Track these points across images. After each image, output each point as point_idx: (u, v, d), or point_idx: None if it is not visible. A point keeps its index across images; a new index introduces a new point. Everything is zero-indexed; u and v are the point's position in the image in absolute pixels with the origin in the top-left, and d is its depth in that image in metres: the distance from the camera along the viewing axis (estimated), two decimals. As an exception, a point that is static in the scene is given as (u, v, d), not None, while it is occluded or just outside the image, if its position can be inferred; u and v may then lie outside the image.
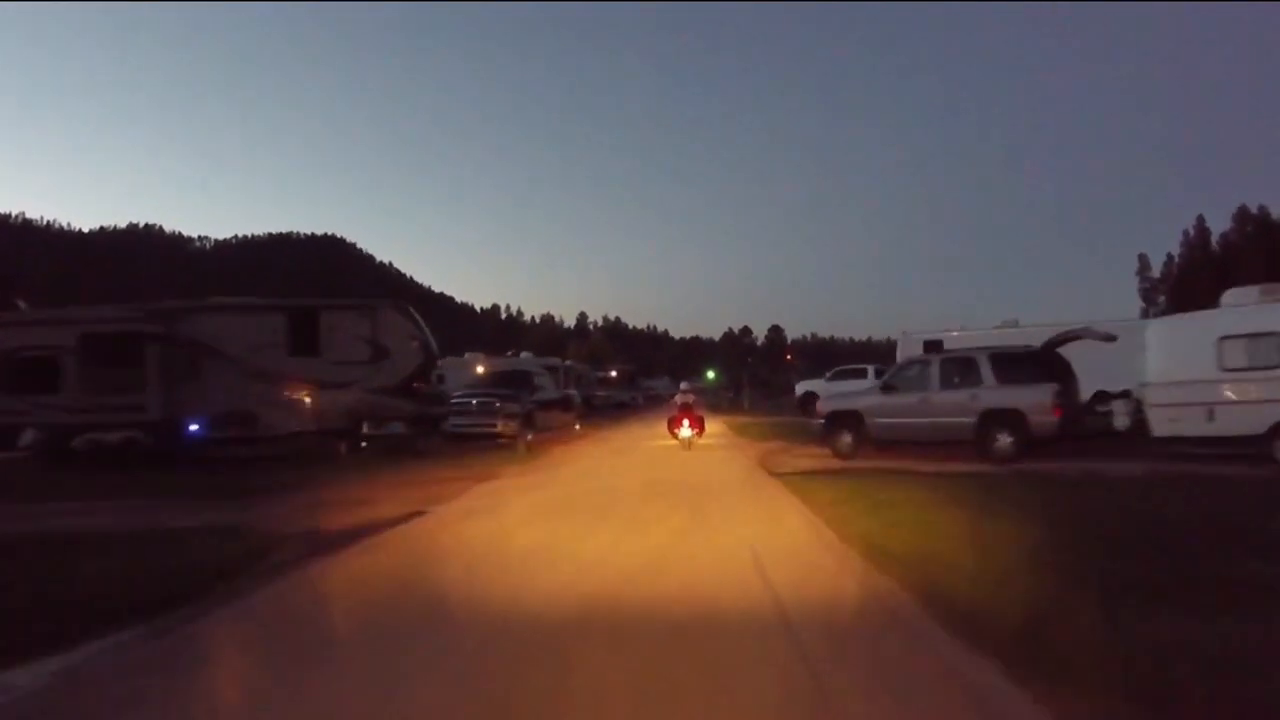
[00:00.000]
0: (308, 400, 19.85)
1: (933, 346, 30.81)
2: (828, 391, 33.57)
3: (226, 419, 19.71)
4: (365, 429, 21.00)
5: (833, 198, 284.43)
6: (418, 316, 21.68)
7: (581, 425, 28.51)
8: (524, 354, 42.65)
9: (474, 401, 21.11)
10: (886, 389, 16.70)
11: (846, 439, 16.45)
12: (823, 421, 17.02)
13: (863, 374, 33.20)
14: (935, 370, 16.11)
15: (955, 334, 30.84)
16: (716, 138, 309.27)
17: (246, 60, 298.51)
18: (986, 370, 15.51)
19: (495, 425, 20.45)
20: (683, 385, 24.57)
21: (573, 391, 28.07)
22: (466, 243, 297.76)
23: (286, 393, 19.82)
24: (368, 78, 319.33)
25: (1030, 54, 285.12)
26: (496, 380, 23.76)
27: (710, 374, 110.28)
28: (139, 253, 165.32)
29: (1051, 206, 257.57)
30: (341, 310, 21.11)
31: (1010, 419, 15.10)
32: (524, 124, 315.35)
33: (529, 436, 20.70)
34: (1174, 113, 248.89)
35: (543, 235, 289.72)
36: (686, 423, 19.96)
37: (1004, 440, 15.12)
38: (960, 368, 15.91)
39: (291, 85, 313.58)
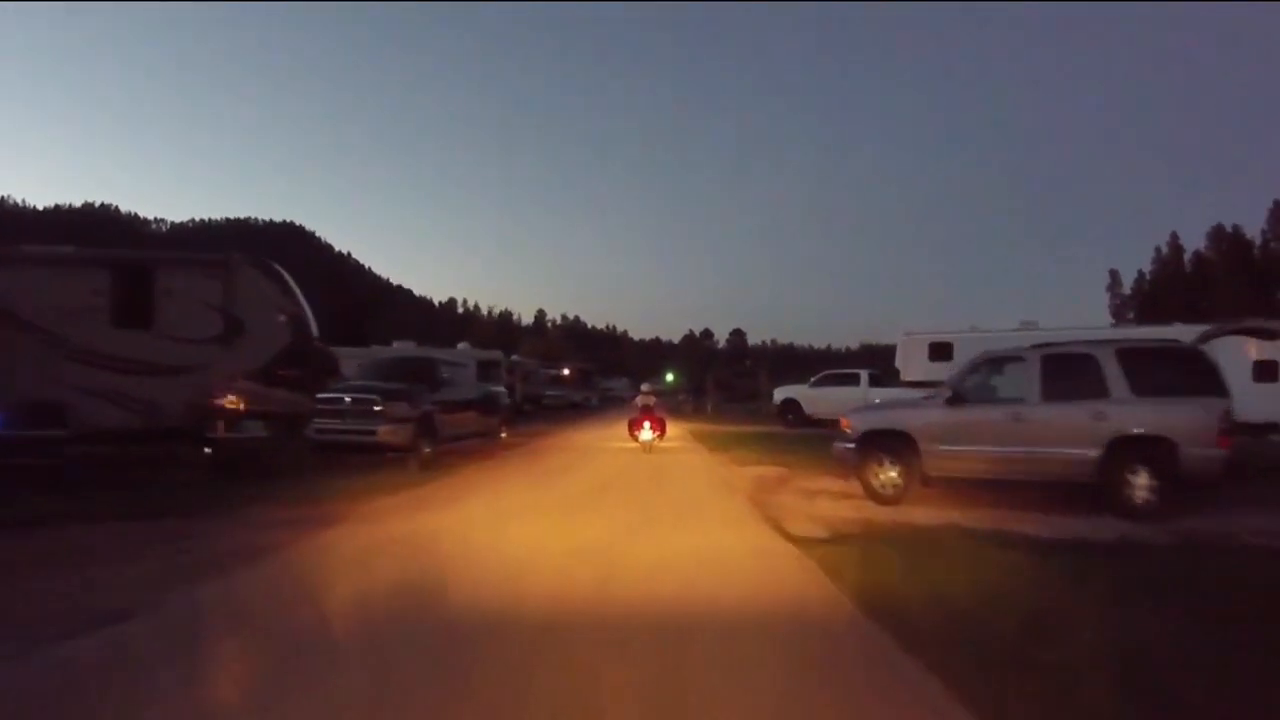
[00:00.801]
0: (137, 389, 13.82)
1: (941, 350, 25.40)
2: (812, 399, 28.19)
3: (30, 411, 13.58)
4: (218, 430, 14.84)
5: (796, 206, 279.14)
6: (290, 280, 15.66)
7: (514, 431, 22.39)
8: (462, 345, 36.58)
9: (347, 399, 14.82)
10: (955, 400, 10.72)
11: (891, 474, 10.45)
12: (851, 445, 11.09)
13: (854, 380, 27.74)
14: (1034, 373, 10.26)
15: (968, 335, 25.52)
16: (681, 140, 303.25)
17: (210, 42, 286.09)
18: (1114, 373, 9.75)
19: (374, 433, 14.22)
20: (644, 387, 22.55)
21: (498, 389, 21.32)
22: (427, 237, 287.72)
23: (108, 378, 13.78)
24: (332, 67, 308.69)
25: (999, 62, 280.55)
26: (388, 370, 17.42)
27: (670, 376, 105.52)
28: (94, 232, 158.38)
29: (1019, 220, 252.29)
30: (184, 268, 14.96)
31: (1153, 450, 9.42)
32: (490, 120, 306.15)
33: (427, 449, 14.63)
34: (1146, 130, 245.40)
35: (505, 232, 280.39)
36: (648, 425, 18.89)
37: (1142, 483, 9.44)
38: (1072, 370, 10.10)
39: (255, 71, 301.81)
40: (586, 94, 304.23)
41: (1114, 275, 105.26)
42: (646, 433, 18.83)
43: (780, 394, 29.43)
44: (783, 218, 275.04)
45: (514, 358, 43.40)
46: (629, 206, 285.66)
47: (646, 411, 19.29)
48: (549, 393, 47.10)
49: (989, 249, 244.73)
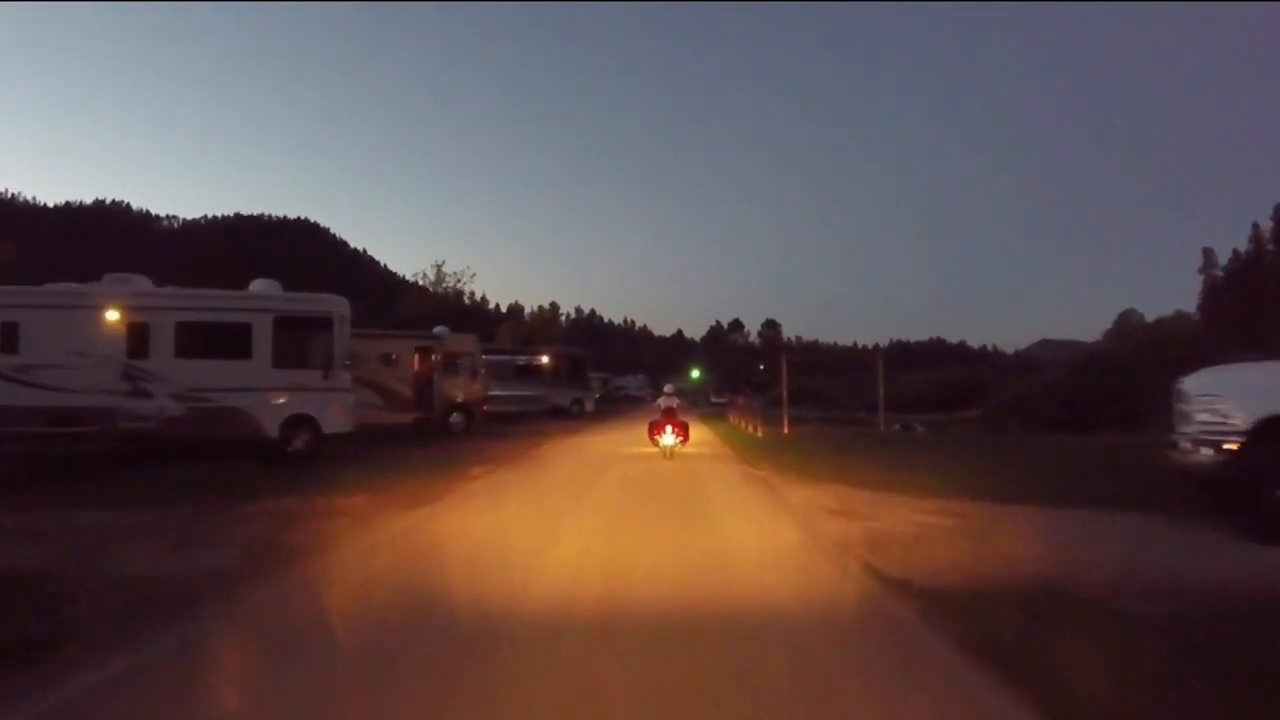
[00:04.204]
0: None
1: None
2: None
3: None
4: None
5: (835, 194, 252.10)
6: None
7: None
8: (260, 282, 15.50)
9: None
10: None
11: None
12: None
13: None
14: None
15: None
16: (701, 140, 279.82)
17: (224, 38, 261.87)
18: None
19: None
20: (666, 388, 18.20)
21: None
22: (441, 233, 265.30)
23: None
24: (347, 62, 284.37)
25: (1073, 42, 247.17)
26: None
27: (695, 373, 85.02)
28: (105, 230, 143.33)
29: (1087, 205, 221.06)
30: None
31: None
32: (507, 114, 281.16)
33: None
34: (1238, 105, 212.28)
35: (520, 228, 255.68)
36: (670, 429, 15.67)
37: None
38: None
39: (269, 67, 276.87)
40: (602, 88, 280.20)
41: (1208, 254, 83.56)
42: (668, 437, 15.51)
43: (1244, 405, 6.57)
44: (821, 210, 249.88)
45: (438, 329, 22.50)
46: (646, 202, 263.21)
47: (669, 415, 16.04)
48: (504, 392, 26.34)
49: (1055, 238, 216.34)
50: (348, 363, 14.70)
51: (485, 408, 22.54)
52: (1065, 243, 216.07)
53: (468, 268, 64.21)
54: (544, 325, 65.80)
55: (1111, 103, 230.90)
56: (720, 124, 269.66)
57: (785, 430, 21.23)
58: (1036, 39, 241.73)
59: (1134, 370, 32.36)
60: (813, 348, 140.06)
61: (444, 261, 57.77)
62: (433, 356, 21.20)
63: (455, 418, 21.49)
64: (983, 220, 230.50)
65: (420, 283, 47.30)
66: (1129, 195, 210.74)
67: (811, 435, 20.81)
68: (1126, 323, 50.96)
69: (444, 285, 45.51)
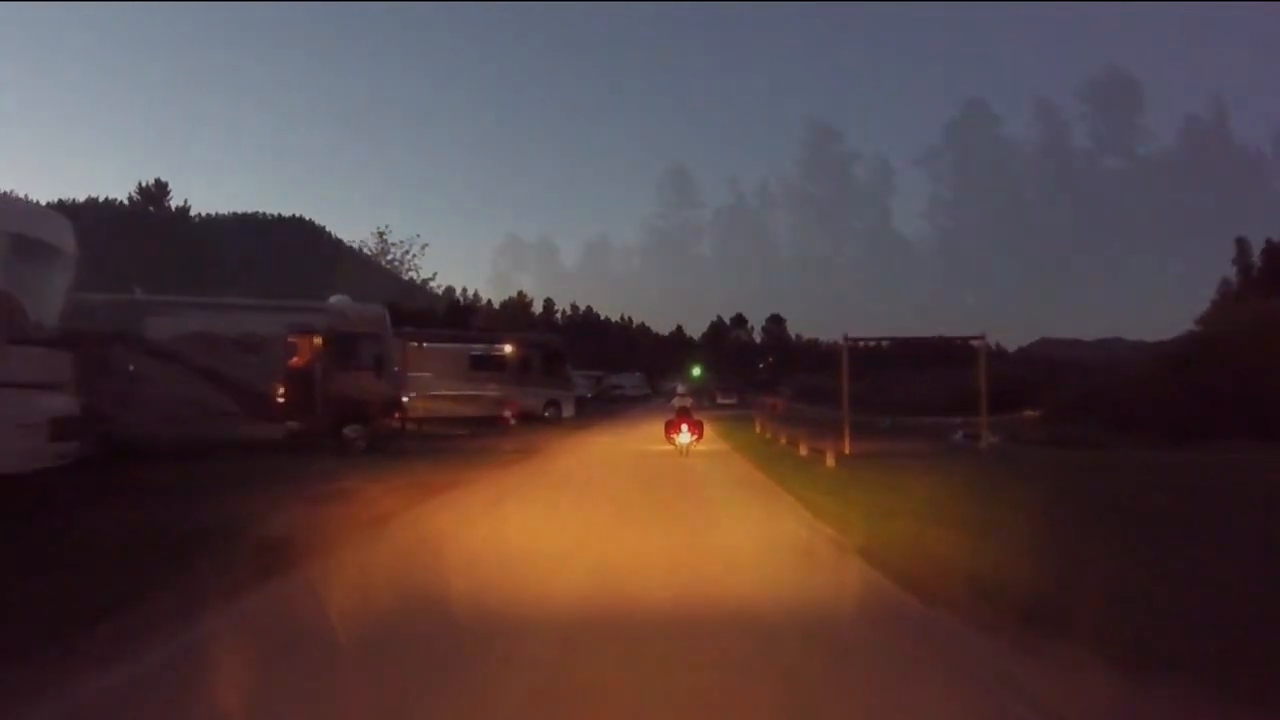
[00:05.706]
0: None
1: None
2: None
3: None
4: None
5: (831, 193, 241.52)
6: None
7: None
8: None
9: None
10: None
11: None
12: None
13: None
14: None
15: None
16: (701, 134, 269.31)
17: (215, 35, 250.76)
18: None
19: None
20: (679, 389, 19.29)
21: None
22: (438, 232, 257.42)
23: None
24: (341, 60, 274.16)
25: (1073, 38, 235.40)
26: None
27: (695, 370, 78.06)
28: (97, 229, 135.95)
29: (1087, 203, 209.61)
30: None
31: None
32: (501, 115, 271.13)
33: None
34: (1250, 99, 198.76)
35: (519, 227, 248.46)
36: (685, 428, 16.00)
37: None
38: None
39: (262, 64, 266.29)
40: (596, 89, 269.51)
41: (1241, 245, 75.73)
42: (684, 436, 15.85)
43: None
44: (812, 211, 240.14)
45: (333, 299, 15.03)
46: (643, 202, 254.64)
47: (684, 414, 16.38)
48: (451, 393, 18.95)
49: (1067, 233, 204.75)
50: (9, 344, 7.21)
51: (399, 414, 14.97)
52: (1064, 242, 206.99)
53: (417, 236, 54.84)
54: (521, 312, 56.62)
55: (1115, 98, 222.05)
56: (717, 120, 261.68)
57: (847, 449, 13.71)
58: (1035, 37, 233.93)
59: (1258, 362, 24.69)
60: (813, 347, 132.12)
61: (388, 227, 49.14)
62: (314, 340, 13.66)
63: (353, 430, 13.95)
64: (981, 219, 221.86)
65: (365, 253, 38.50)
66: (1129, 193, 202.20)
67: (906, 457, 13.41)
68: (1232, 302, 42.67)
69: (390, 258, 37.58)
